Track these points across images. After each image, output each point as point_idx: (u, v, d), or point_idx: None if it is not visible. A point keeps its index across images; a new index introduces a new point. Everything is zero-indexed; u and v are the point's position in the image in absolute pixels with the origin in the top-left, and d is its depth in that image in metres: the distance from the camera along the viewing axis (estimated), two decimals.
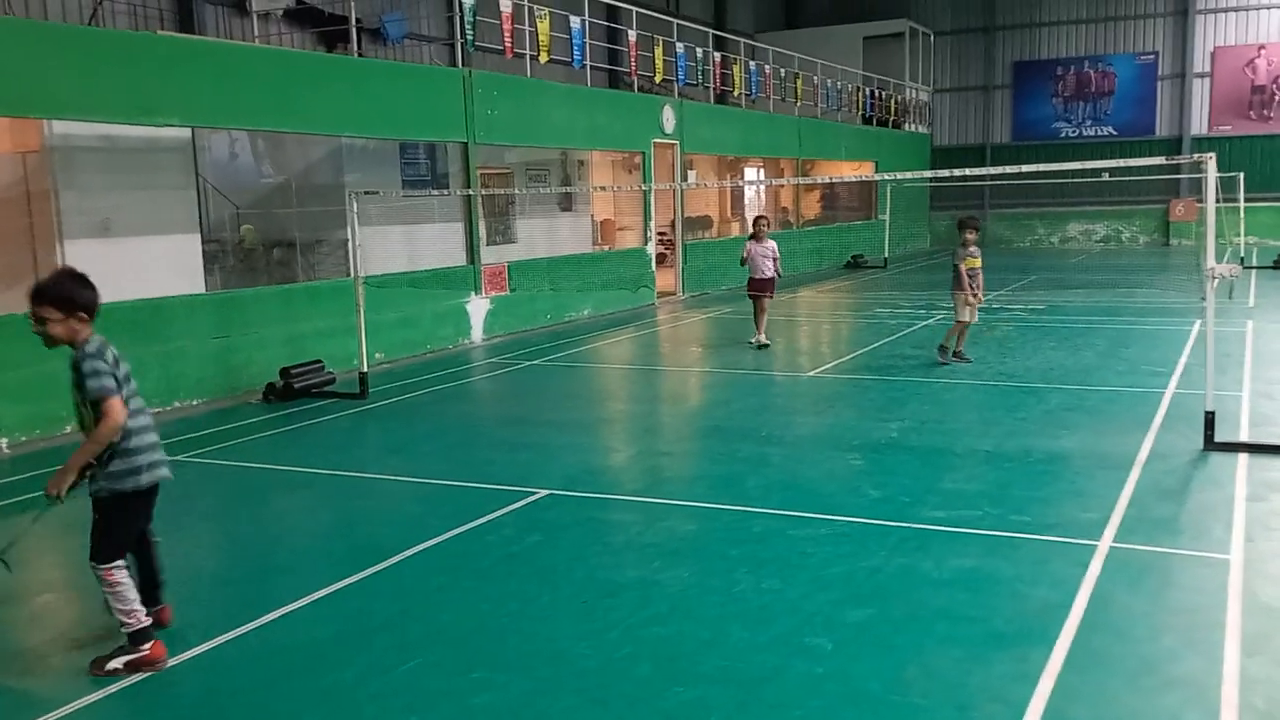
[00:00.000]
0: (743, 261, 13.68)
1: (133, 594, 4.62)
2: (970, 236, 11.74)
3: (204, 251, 11.63)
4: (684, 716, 4.09)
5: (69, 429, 9.75)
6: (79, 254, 10.15)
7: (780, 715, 4.09)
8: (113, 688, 4.49)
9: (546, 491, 7.24)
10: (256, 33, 16.38)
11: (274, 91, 11.95)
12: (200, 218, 11.68)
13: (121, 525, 4.64)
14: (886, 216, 28.54)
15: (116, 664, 4.58)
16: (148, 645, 4.60)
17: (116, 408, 4.46)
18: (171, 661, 4.69)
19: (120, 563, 4.62)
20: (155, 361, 10.56)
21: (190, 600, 5.58)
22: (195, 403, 10.96)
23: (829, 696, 4.23)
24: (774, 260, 13.49)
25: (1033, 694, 4.21)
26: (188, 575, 6.02)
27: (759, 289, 13.57)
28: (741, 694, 4.26)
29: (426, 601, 5.38)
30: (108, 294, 10.92)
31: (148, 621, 4.66)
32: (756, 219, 14.36)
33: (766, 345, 13.44)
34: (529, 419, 10.05)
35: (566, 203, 18.32)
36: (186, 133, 11.27)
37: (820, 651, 4.63)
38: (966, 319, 11.78)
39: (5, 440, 9.19)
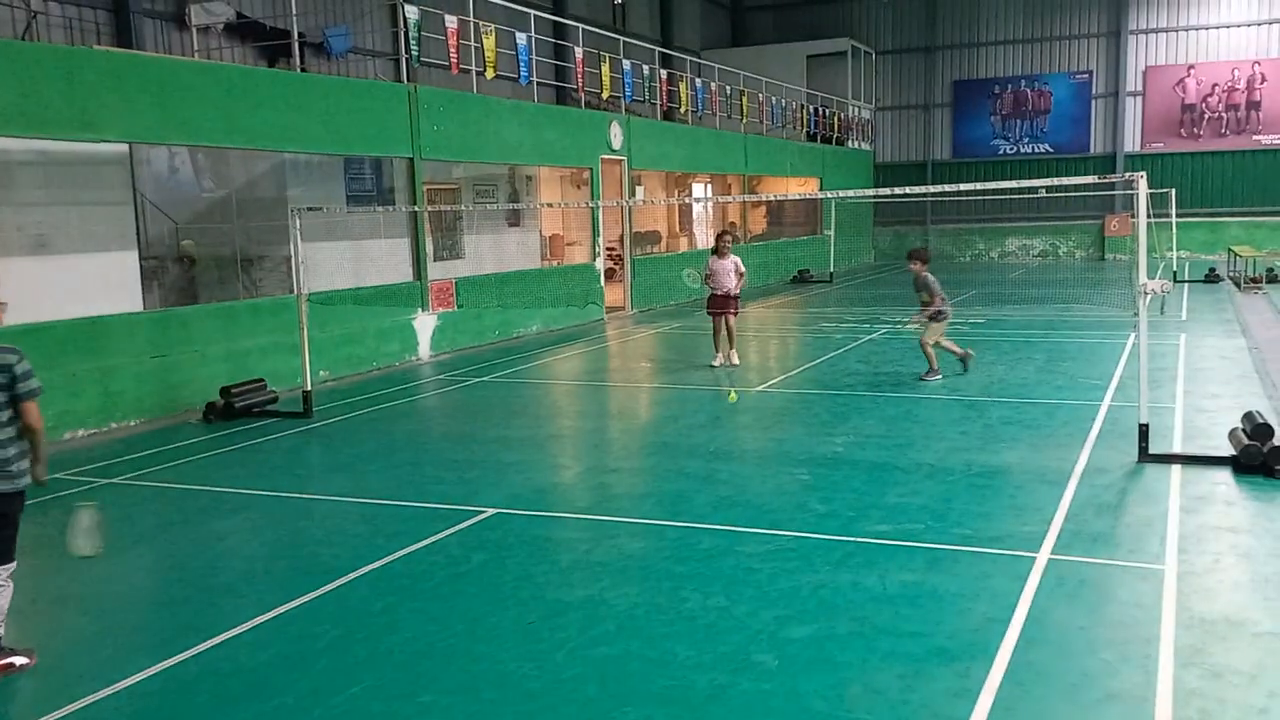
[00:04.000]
0: (705, 279, 13.34)
1: None
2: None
3: (142, 268, 11.43)
4: None
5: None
6: (14, 271, 9.94)
7: None
8: (51, 716, 4.39)
9: (493, 510, 7.21)
10: (196, 47, 16.14)
11: (215, 107, 11.80)
12: (138, 234, 11.48)
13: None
14: (832, 232, 28.87)
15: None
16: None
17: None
18: (109, 690, 4.60)
19: None
20: (92, 380, 10.36)
21: (128, 626, 5.48)
22: (133, 423, 10.75)
23: (774, 714, 4.26)
24: (738, 276, 13.13)
25: (973, 710, 4.27)
26: (126, 601, 5.91)
27: (720, 306, 13.17)
28: (688, 713, 4.27)
29: (371, 624, 5.33)
30: (45, 312, 10.71)
31: None
32: (720, 234, 13.98)
33: (729, 366, 13.18)
34: (476, 437, 10.00)
35: (514, 218, 18.27)
36: (124, 147, 11.09)
37: (766, 669, 4.66)
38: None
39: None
